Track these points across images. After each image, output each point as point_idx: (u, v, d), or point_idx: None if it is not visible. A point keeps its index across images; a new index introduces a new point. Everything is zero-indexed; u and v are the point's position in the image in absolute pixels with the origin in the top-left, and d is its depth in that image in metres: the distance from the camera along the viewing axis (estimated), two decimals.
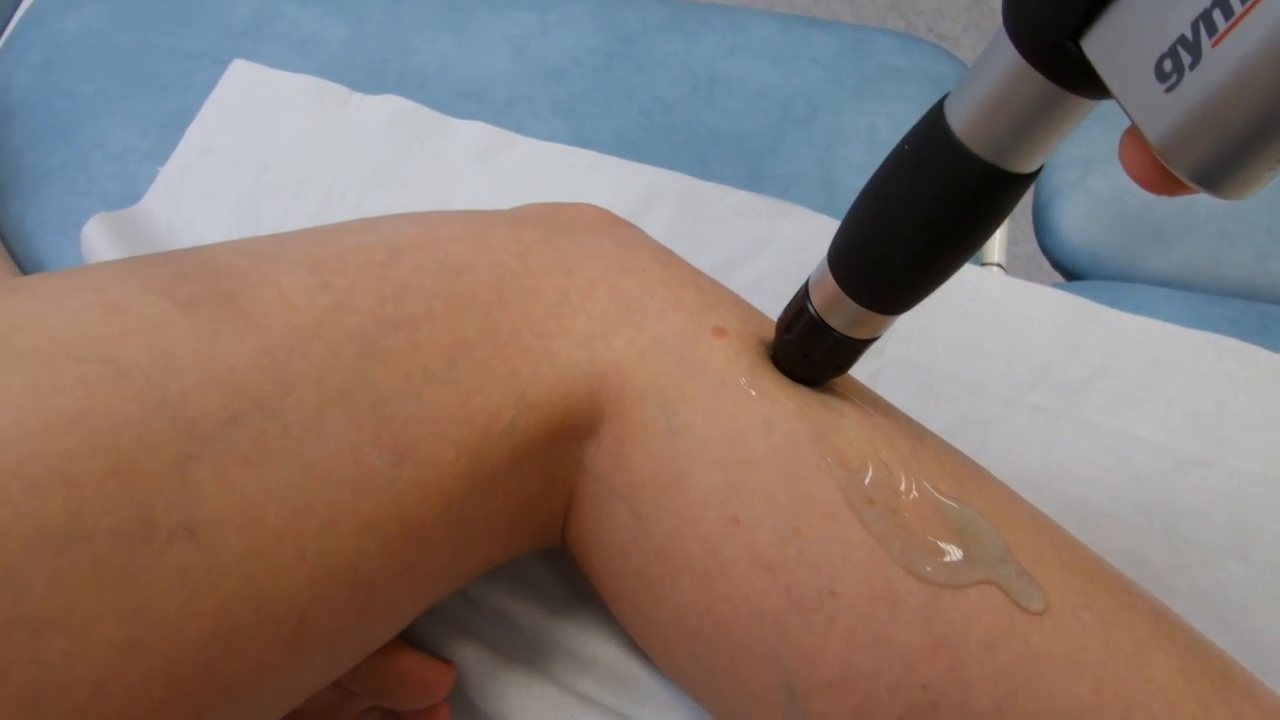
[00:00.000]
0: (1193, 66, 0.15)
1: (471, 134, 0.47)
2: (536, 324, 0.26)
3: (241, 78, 0.51)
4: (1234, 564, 0.35)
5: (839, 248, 0.24)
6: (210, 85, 0.51)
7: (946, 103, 0.20)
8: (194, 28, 0.55)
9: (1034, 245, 0.50)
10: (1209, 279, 0.45)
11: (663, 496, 0.26)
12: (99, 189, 0.50)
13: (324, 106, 0.49)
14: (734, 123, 0.49)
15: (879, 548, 0.24)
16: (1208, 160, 0.15)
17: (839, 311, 0.24)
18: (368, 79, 0.51)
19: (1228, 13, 0.14)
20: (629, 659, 0.33)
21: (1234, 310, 0.42)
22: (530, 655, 0.33)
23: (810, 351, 0.26)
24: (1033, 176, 0.20)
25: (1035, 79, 0.18)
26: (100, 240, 0.44)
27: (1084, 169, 0.49)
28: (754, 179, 0.47)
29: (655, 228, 0.40)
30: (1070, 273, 0.48)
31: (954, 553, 0.24)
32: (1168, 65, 0.15)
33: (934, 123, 0.20)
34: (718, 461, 0.25)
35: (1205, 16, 0.14)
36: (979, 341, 0.39)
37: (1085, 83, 0.17)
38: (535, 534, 0.30)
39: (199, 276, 0.24)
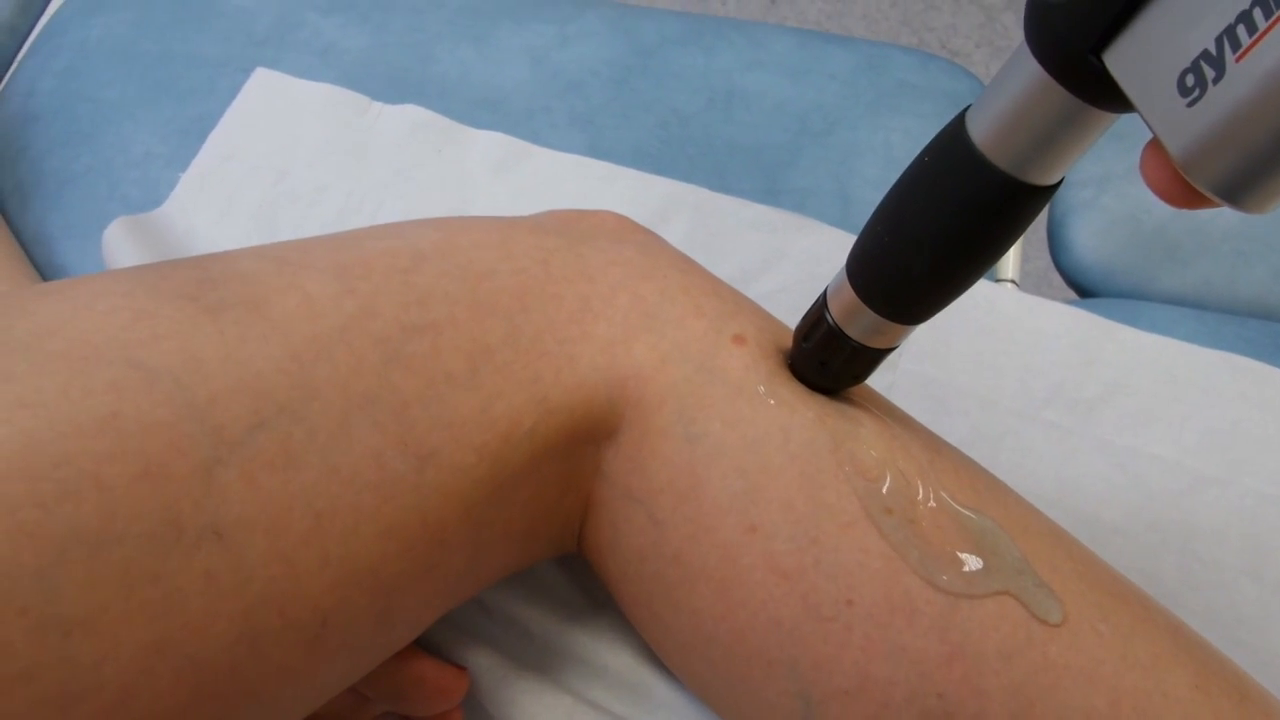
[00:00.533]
0: (1216, 81, 0.15)
1: (489, 144, 0.47)
2: (558, 329, 0.27)
3: (264, 86, 0.52)
4: (1247, 583, 0.34)
5: (858, 257, 0.24)
6: (232, 92, 0.52)
7: (968, 115, 0.20)
8: (217, 35, 0.56)
9: (1046, 262, 0.50)
10: (1223, 298, 0.45)
11: (680, 503, 0.26)
12: (121, 194, 0.50)
13: (343, 115, 0.50)
14: (750, 136, 0.49)
15: (896, 557, 0.24)
16: (1230, 174, 0.15)
17: (857, 321, 0.24)
18: (388, 88, 0.52)
19: (1252, 29, 0.14)
20: (641, 667, 0.33)
21: (1249, 330, 0.42)
22: (542, 662, 0.33)
23: (828, 360, 0.26)
24: (1053, 189, 0.20)
25: (1057, 92, 0.18)
26: (121, 244, 0.44)
27: (1099, 187, 0.49)
28: (770, 192, 0.47)
29: (671, 240, 0.40)
30: (1084, 290, 0.48)
31: (972, 563, 0.24)
32: (1190, 80, 0.15)
33: (955, 134, 0.20)
34: (736, 469, 0.25)
35: (1229, 32, 0.14)
36: (993, 357, 0.39)
37: (1107, 96, 0.17)
38: (552, 539, 0.30)
39: (225, 282, 0.24)
